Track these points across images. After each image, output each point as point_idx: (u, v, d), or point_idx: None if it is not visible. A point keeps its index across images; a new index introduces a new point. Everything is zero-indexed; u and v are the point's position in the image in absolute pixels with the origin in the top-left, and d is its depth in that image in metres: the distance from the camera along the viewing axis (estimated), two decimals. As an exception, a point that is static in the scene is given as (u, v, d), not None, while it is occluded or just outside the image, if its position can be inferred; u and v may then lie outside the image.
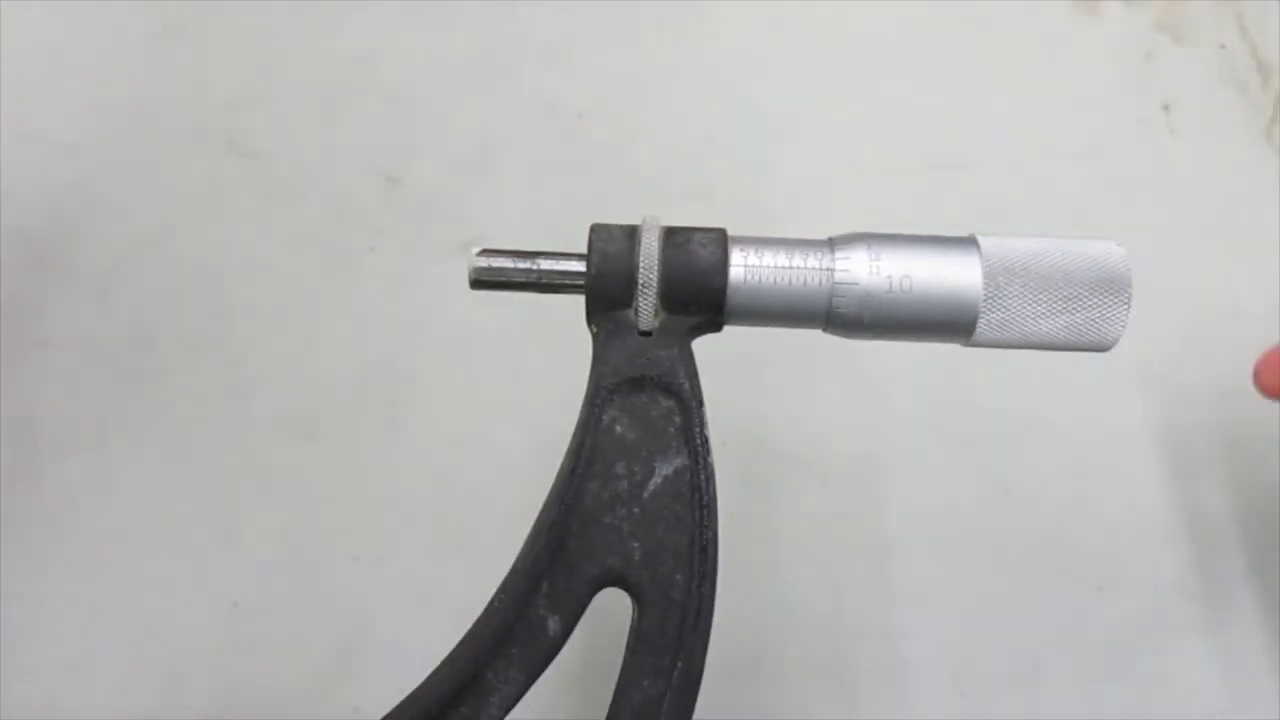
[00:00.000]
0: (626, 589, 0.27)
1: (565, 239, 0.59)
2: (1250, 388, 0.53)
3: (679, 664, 0.27)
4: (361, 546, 0.49)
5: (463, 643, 0.28)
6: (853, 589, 0.48)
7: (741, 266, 0.28)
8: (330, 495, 0.50)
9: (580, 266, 0.28)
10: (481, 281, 0.29)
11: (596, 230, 0.29)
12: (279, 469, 0.50)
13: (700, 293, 0.28)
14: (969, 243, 0.28)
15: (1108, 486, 0.50)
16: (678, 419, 0.28)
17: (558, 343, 0.53)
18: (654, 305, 0.28)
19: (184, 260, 0.56)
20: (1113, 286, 0.28)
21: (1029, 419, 0.52)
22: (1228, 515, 0.50)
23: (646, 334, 0.28)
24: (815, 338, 0.55)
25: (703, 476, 0.28)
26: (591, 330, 0.29)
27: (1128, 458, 0.51)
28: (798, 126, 0.59)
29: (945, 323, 0.28)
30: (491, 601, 0.28)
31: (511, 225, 0.57)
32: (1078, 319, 0.28)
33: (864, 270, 0.28)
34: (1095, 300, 0.28)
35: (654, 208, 0.57)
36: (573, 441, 0.28)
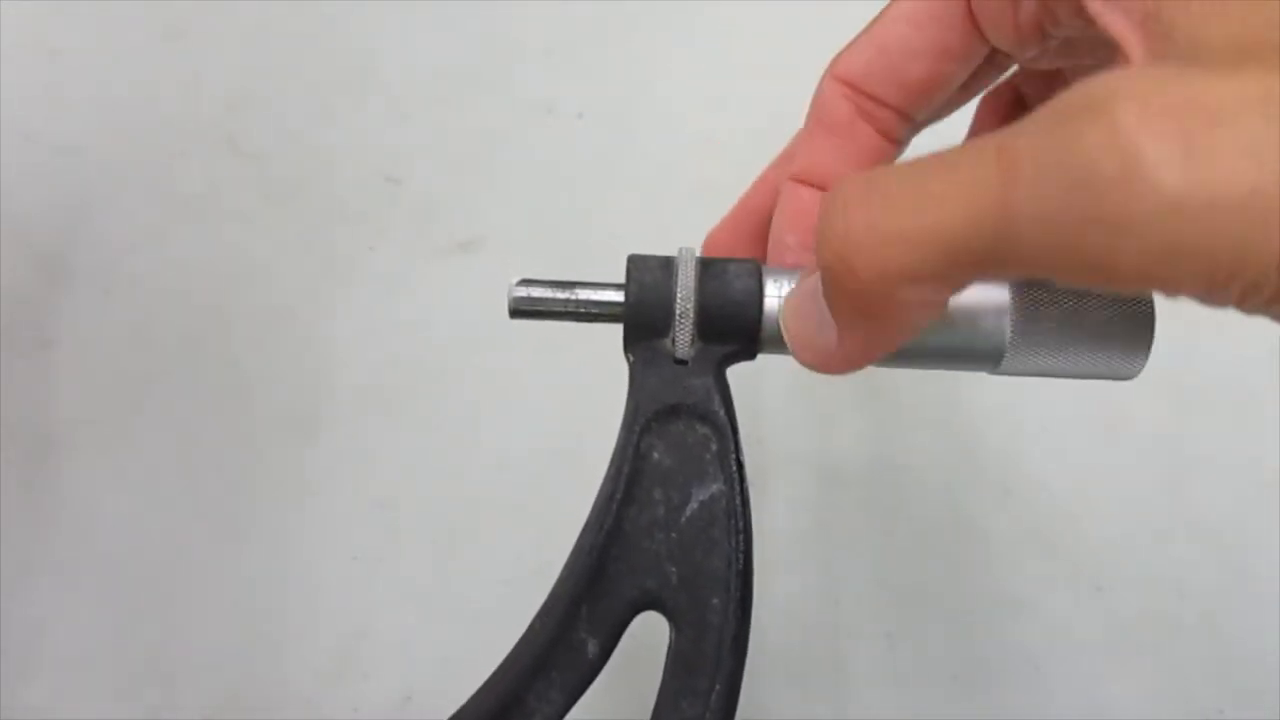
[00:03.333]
0: (664, 612, 0.28)
1: (566, 239, 0.59)
2: (1251, 386, 0.53)
3: (716, 686, 0.27)
4: (361, 546, 0.49)
5: (503, 665, 0.28)
6: (853, 589, 0.48)
7: (776, 298, 0.28)
8: (330, 495, 0.50)
9: (618, 296, 0.29)
10: (520, 311, 0.29)
11: (634, 261, 0.29)
12: (279, 469, 0.50)
13: (736, 323, 0.28)
14: None
15: (1108, 486, 0.50)
16: (714, 445, 0.28)
17: (558, 342, 0.53)
18: (690, 335, 0.28)
19: (184, 260, 0.56)
20: (1135, 313, 0.27)
21: (1029, 418, 0.52)
22: (1228, 515, 0.50)
23: (682, 363, 0.29)
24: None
25: (739, 501, 0.28)
26: (629, 359, 0.29)
27: (1128, 458, 0.51)
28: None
29: (972, 351, 0.28)
30: (532, 624, 0.28)
31: (511, 225, 0.57)
32: (1103, 350, 0.28)
33: None
34: (1120, 327, 0.28)
35: (654, 208, 0.58)
36: (611, 467, 0.29)
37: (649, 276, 0.29)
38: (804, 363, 0.26)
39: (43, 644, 0.47)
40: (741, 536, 0.28)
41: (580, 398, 0.51)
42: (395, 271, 0.56)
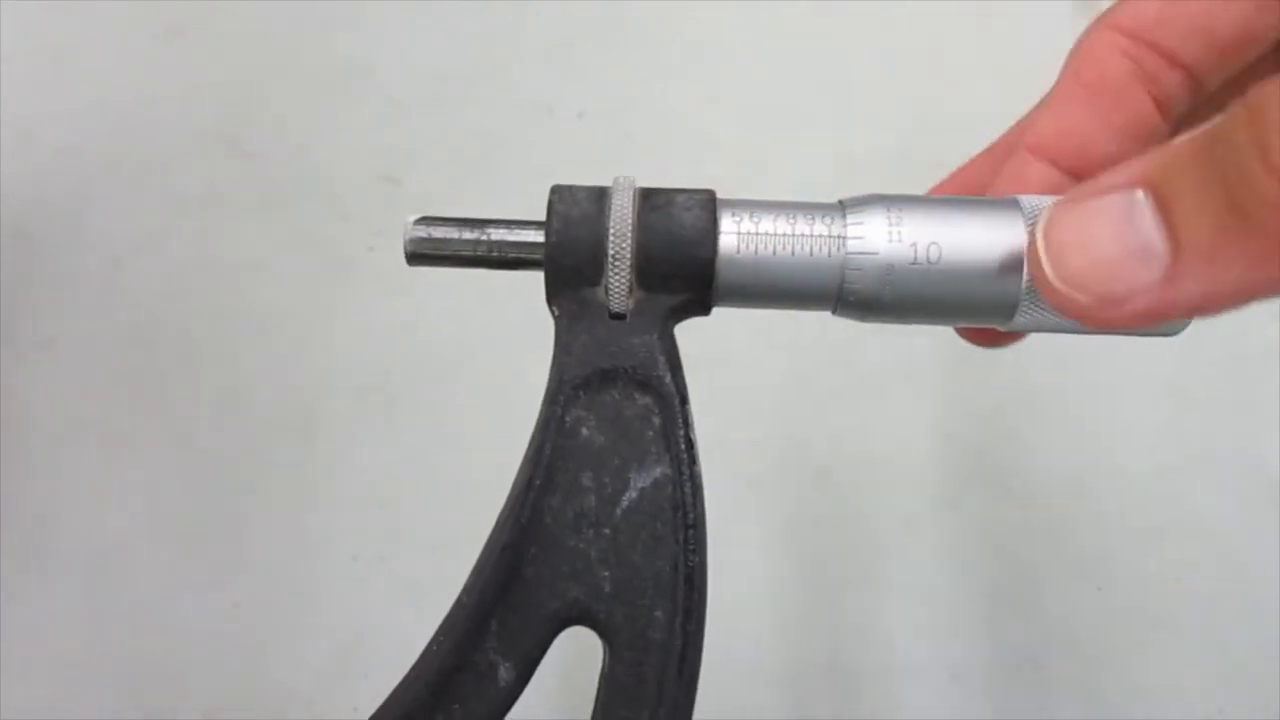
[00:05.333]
0: (594, 627, 0.22)
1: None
2: (1251, 386, 0.53)
3: None
4: (361, 546, 0.49)
5: (393, 698, 0.23)
6: (853, 589, 0.48)
7: (734, 234, 0.23)
8: (330, 495, 0.50)
9: (538, 236, 0.24)
10: (421, 255, 0.25)
11: (558, 191, 0.24)
12: (279, 469, 0.50)
13: (683, 266, 0.23)
14: (1009, 204, 0.23)
15: (1107, 486, 0.50)
16: (657, 419, 0.23)
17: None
18: (627, 281, 0.23)
19: (184, 260, 0.56)
20: None
21: (1030, 418, 0.52)
22: (1228, 515, 0.50)
23: (619, 317, 0.24)
24: (814, 329, 0.55)
25: (687, 489, 0.23)
26: (553, 313, 0.24)
27: (1128, 457, 0.51)
28: (798, 126, 0.59)
29: (981, 301, 0.23)
30: (429, 645, 0.23)
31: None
32: None
33: (882, 237, 0.22)
34: None
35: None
36: (530, 447, 0.24)
37: (576, 210, 0.24)
38: (1072, 306, 0.19)
39: (43, 644, 0.47)
40: (691, 531, 0.22)
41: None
42: (395, 271, 0.56)
